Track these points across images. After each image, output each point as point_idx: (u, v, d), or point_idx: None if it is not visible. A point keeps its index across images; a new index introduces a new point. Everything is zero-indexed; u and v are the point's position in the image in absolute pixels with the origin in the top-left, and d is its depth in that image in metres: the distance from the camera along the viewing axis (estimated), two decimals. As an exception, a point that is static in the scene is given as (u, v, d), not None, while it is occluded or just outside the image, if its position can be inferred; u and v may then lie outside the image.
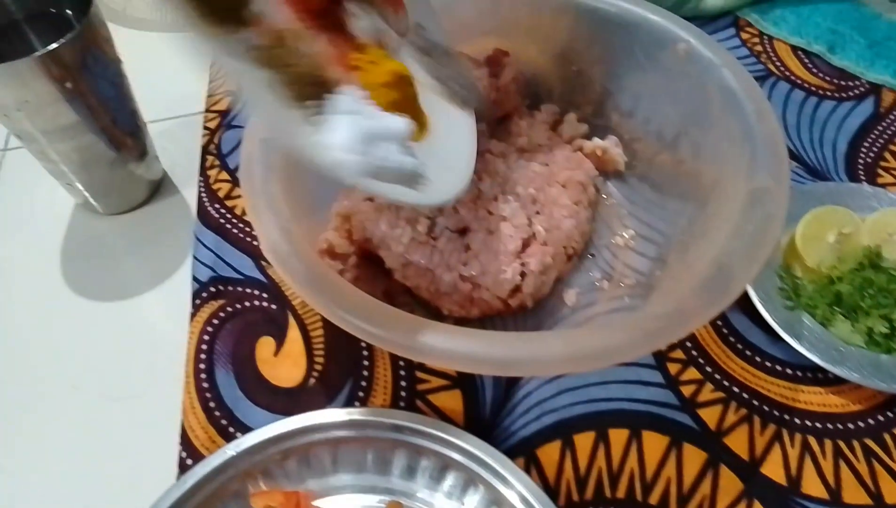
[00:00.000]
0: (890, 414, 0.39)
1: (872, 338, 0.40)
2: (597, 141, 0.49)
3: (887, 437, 0.39)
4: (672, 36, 0.44)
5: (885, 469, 0.37)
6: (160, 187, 0.55)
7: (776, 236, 0.35)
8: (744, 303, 0.42)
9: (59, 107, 0.43)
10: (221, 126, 0.57)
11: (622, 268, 0.46)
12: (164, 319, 0.47)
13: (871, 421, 0.39)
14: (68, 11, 0.47)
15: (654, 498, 0.37)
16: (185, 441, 0.40)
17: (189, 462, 0.39)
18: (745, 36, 0.61)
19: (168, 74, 0.63)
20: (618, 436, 0.39)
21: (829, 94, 0.56)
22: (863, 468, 0.38)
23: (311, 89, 0.30)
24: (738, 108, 0.40)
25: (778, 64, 0.59)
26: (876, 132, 0.53)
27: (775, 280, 0.43)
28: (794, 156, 0.52)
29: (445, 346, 0.32)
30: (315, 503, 0.37)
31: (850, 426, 0.39)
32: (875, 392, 0.40)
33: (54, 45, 0.41)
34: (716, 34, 0.61)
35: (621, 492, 0.38)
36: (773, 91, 0.57)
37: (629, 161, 0.50)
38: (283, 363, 0.43)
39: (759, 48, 0.60)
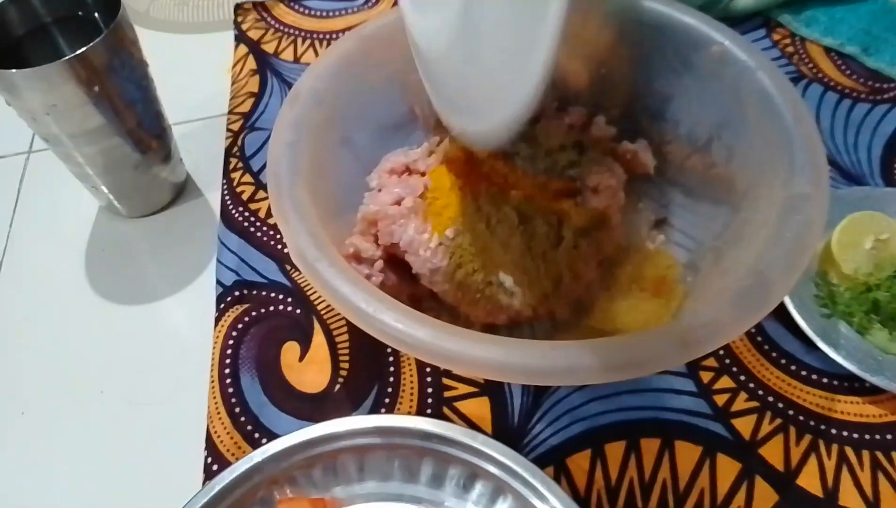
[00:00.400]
0: (931, 426, 0.38)
1: (911, 347, 0.40)
2: (626, 144, 0.49)
3: (928, 450, 0.38)
4: (706, 38, 0.43)
5: (926, 483, 0.37)
6: (184, 190, 0.55)
7: (815, 244, 0.34)
8: (778, 311, 0.41)
9: (86, 110, 0.43)
10: (244, 129, 0.57)
11: (652, 274, 0.45)
12: (189, 323, 0.47)
13: (911, 433, 0.38)
14: (96, 15, 0.47)
15: (687, 510, 0.37)
16: (211, 447, 0.40)
17: (215, 467, 0.39)
18: (776, 37, 0.60)
19: (191, 75, 0.63)
20: (649, 445, 0.39)
21: (863, 96, 0.55)
22: (903, 481, 0.37)
23: None
24: (774, 112, 0.39)
25: (811, 66, 0.58)
26: (912, 135, 0.52)
27: (811, 287, 0.42)
28: (828, 160, 0.51)
29: (480, 355, 0.31)
30: (341, 511, 0.37)
31: (889, 437, 0.38)
32: (915, 403, 0.39)
33: (83, 49, 0.41)
34: (746, 35, 0.60)
35: (653, 503, 0.37)
36: (805, 93, 0.55)
37: (659, 165, 0.49)
38: (309, 369, 0.43)
39: (790, 49, 0.59)
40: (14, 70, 0.39)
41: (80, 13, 0.47)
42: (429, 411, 0.41)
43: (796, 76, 0.57)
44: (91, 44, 0.41)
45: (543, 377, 0.32)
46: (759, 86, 0.40)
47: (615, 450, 0.39)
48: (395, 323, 0.33)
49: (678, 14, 0.45)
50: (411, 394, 0.41)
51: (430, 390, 0.41)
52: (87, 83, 0.42)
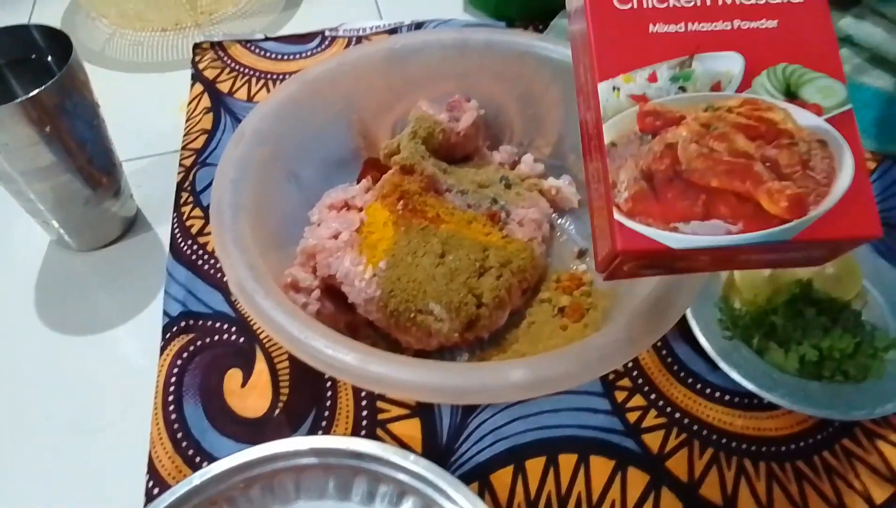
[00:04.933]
0: (819, 437, 0.42)
1: (804, 365, 0.43)
2: (551, 181, 0.53)
3: (816, 459, 0.41)
4: (617, 85, 0.47)
5: (813, 490, 0.40)
6: (134, 224, 0.57)
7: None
8: (686, 333, 0.45)
9: (37, 149, 0.45)
10: (196, 164, 0.59)
11: (575, 301, 0.48)
12: (135, 352, 0.49)
13: (801, 444, 0.42)
14: (49, 58, 0.50)
15: (599, 520, 0.39)
16: (153, 471, 0.42)
17: (156, 491, 0.41)
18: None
19: (146, 113, 0.66)
20: (567, 461, 0.41)
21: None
22: (793, 488, 0.40)
23: None
24: (675, 153, 0.43)
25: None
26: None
27: (715, 312, 0.46)
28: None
29: (403, 377, 0.34)
30: (277, 528, 0.39)
31: (783, 449, 0.42)
32: (805, 417, 0.43)
33: (35, 92, 0.43)
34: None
35: (569, 514, 0.40)
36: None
37: (582, 199, 0.53)
38: (250, 395, 0.45)
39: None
40: (-33, 111, 0.42)
41: (32, 56, 0.49)
42: (363, 432, 0.43)
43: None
44: (43, 87, 0.43)
45: (460, 397, 0.35)
46: (663, 130, 0.45)
47: (535, 466, 0.41)
48: (325, 349, 0.35)
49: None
50: (347, 417, 0.44)
51: (364, 412, 0.44)
52: (38, 123, 0.44)
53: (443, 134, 0.50)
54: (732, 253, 0.27)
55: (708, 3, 0.29)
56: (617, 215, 0.27)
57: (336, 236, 0.45)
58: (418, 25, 0.72)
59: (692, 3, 0.29)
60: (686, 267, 0.29)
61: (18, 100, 0.43)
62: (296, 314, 0.37)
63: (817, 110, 0.28)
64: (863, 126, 0.58)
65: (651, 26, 0.29)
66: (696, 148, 0.27)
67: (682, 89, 0.28)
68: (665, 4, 0.29)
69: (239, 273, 0.39)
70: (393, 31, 0.72)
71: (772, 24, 0.29)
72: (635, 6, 0.29)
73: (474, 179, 0.50)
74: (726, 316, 0.46)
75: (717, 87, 0.28)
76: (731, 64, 0.28)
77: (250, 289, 0.38)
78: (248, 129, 0.46)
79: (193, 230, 0.54)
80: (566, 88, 0.51)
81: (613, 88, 0.28)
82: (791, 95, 0.28)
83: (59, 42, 0.48)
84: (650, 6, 0.29)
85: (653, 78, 0.28)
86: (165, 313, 0.49)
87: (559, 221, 0.53)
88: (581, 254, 0.51)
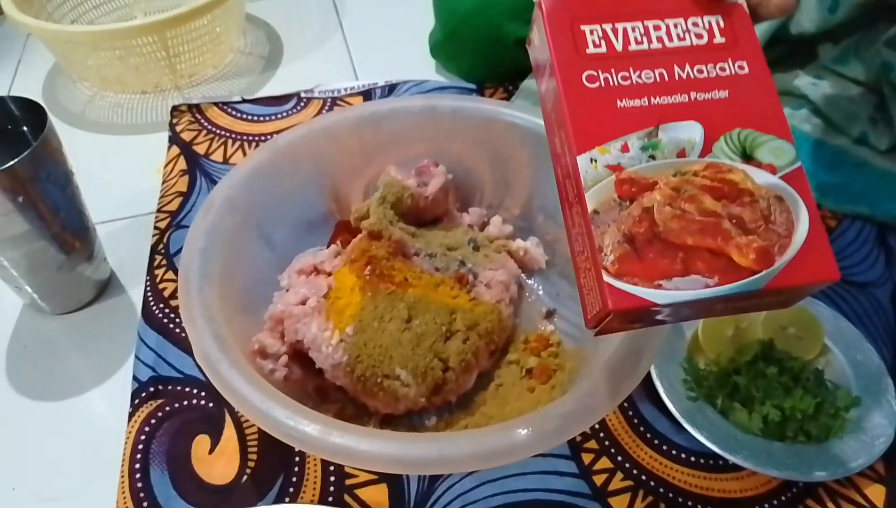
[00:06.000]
0: (783, 498, 0.42)
1: (767, 426, 0.44)
2: (519, 242, 0.54)
3: (780, 521, 0.41)
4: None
5: (777, 553, 0.40)
6: (108, 286, 0.57)
7: (664, 332, 0.39)
8: (652, 393, 0.46)
9: (10, 218, 0.46)
10: (171, 226, 0.60)
11: (542, 361, 0.49)
12: (105, 418, 0.49)
13: (766, 506, 0.42)
14: (24, 128, 0.51)
15: (565, 588, 0.39)
16: (116, 543, 0.41)
17: (119, 564, 0.40)
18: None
19: (123, 175, 0.67)
20: (533, 527, 0.42)
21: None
22: (758, 551, 0.40)
23: None
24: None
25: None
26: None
27: (679, 372, 0.47)
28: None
29: (363, 448, 0.34)
30: None
31: (748, 510, 0.42)
32: (769, 479, 0.43)
33: (9, 164, 0.44)
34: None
35: (535, 583, 0.39)
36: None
37: (550, 259, 0.54)
38: (218, 461, 0.45)
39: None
40: (-61, 184, 0.42)
41: (8, 127, 0.50)
42: (330, 498, 0.43)
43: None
44: (17, 159, 0.44)
45: (419, 468, 0.35)
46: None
47: (502, 532, 0.41)
48: (286, 420, 0.35)
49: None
50: (315, 483, 0.44)
51: (332, 478, 0.44)
52: (11, 193, 0.45)
53: (411, 199, 0.51)
54: (710, 304, 0.29)
55: (666, 78, 0.32)
56: (606, 277, 0.28)
57: (304, 302, 0.46)
58: (392, 87, 0.74)
59: (652, 80, 0.32)
60: (670, 319, 0.31)
61: (-8, 172, 0.43)
62: (259, 385, 0.37)
63: (771, 169, 0.31)
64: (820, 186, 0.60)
65: (619, 102, 0.31)
66: (670, 210, 0.30)
67: (652, 157, 0.31)
68: (629, 82, 0.31)
69: (204, 344, 0.39)
70: (367, 92, 0.74)
71: (724, 94, 0.32)
72: (603, 85, 0.31)
73: (443, 242, 0.51)
74: (691, 376, 0.46)
75: (682, 153, 0.31)
76: (692, 132, 0.31)
77: (214, 359, 0.38)
78: (217, 197, 0.47)
79: (166, 293, 0.55)
80: (534, 152, 0.54)
81: (591, 160, 0.30)
82: (747, 157, 0.31)
83: (35, 113, 0.49)
84: (616, 84, 0.31)
85: (625, 148, 0.31)
86: (135, 379, 0.49)
87: (528, 281, 0.54)
88: (549, 314, 0.52)
